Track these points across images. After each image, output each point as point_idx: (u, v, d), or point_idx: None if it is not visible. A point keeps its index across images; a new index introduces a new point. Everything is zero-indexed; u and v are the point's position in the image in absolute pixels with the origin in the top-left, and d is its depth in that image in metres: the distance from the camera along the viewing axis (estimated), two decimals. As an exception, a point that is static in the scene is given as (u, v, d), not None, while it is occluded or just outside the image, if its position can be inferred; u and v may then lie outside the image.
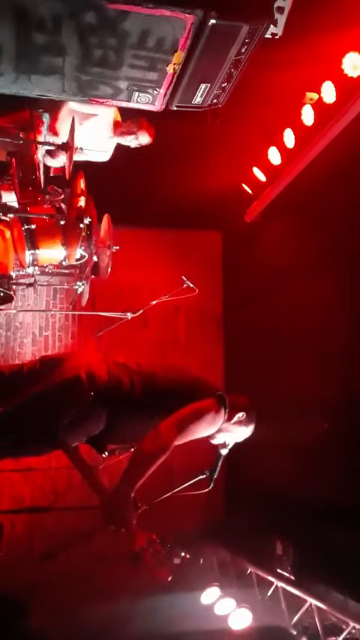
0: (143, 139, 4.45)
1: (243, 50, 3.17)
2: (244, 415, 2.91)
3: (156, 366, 2.98)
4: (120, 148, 4.58)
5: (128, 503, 2.55)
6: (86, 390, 2.69)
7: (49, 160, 4.34)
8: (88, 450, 2.88)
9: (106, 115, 4.34)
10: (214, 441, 2.95)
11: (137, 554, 2.34)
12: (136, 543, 2.37)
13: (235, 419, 2.90)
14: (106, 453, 2.93)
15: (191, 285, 4.78)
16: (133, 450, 2.86)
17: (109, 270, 4.50)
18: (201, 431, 2.77)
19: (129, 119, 4.44)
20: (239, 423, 2.92)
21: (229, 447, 2.96)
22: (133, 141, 4.45)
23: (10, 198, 4.22)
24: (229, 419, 2.88)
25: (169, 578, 2.32)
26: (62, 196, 4.42)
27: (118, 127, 4.44)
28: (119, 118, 4.46)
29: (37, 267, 4.36)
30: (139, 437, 2.75)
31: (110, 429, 2.78)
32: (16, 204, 4.13)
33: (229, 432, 2.92)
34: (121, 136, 4.46)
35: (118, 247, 4.42)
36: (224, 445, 2.92)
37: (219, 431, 2.89)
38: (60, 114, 4.16)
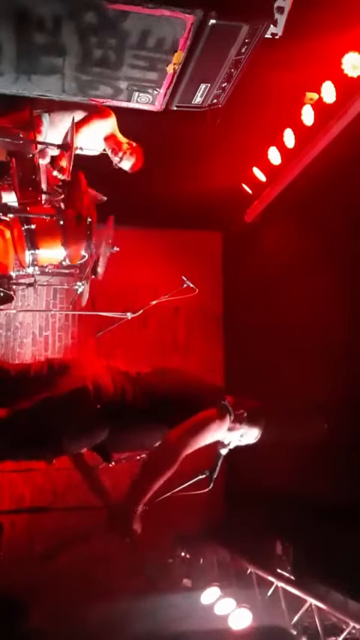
0: (125, 164, 4.44)
1: (243, 50, 3.17)
2: (246, 413, 2.92)
3: (157, 375, 2.99)
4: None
5: (135, 517, 2.59)
6: (92, 401, 2.71)
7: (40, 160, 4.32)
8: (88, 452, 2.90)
9: (106, 128, 4.34)
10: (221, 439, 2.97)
11: (149, 570, 2.40)
12: (142, 559, 2.43)
13: (237, 417, 2.92)
14: (113, 463, 2.95)
15: (191, 285, 4.78)
16: (138, 458, 2.89)
17: (103, 271, 4.50)
18: (207, 440, 2.80)
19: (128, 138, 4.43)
20: (242, 422, 2.92)
21: (231, 447, 2.97)
22: (115, 158, 4.45)
23: (10, 198, 4.21)
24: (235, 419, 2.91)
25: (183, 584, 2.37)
26: (62, 196, 4.42)
27: (111, 139, 4.43)
28: (117, 133, 4.44)
29: (37, 267, 4.35)
30: (144, 445, 2.82)
31: (115, 438, 2.80)
32: (16, 204, 4.13)
33: (232, 432, 2.93)
34: (109, 147, 4.44)
35: (117, 248, 4.42)
36: (224, 445, 2.92)
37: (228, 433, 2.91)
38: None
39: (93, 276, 4.55)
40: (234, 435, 2.95)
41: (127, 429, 2.80)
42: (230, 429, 2.91)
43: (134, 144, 4.45)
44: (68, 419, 2.68)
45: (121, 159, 4.42)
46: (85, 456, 3.04)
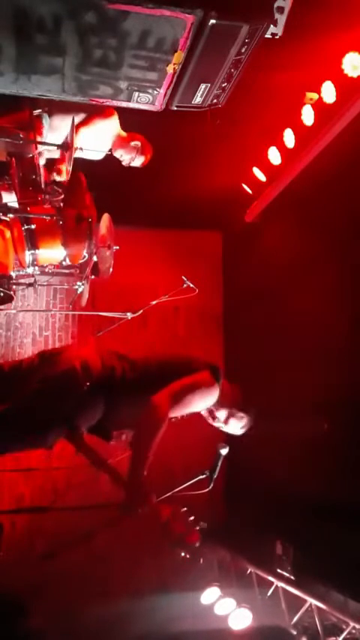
0: (137, 162, 4.44)
1: (243, 50, 3.16)
2: (240, 397, 3.02)
3: (148, 352, 3.10)
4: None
5: (143, 484, 2.63)
6: (81, 380, 2.77)
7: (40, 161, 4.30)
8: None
9: (110, 128, 4.32)
10: (216, 423, 3.03)
11: (166, 525, 2.40)
12: (161, 516, 2.44)
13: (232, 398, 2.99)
14: (113, 441, 2.97)
15: (191, 285, 4.79)
16: None
17: (111, 270, 4.50)
18: (196, 402, 2.85)
19: (129, 133, 4.41)
20: (236, 401, 3.00)
21: (215, 424, 3.01)
22: (126, 160, 4.44)
23: (10, 198, 4.21)
24: (224, 396, 2.97)
25: (198, 543, 2.39)
26: (62, 196, 4.42)
27: (120, 142, 4.41)
28: (122, 132, 4.42)
29: (37, 267, 4.36)
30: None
31: (110, 415, 2.86)
32: (16, 204, 4.13)
33: (223, 409, 2.98)
34: (120, 147, 4.42)
35: (118, 247, 4.42)
36: (224, 445, 2.93)
37: (219, 407, 2.96)
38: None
39: (93, 276, 4.55)
40: (222, 413, 2.98)
41: (120, 404, 2.85)
42: (221, 404, 2.97)
43: (139, 142, 4.42)
44: (60, 400, 2.74)
45: (132, 159, 4.42)
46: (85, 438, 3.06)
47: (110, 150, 4.44)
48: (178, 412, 2.78)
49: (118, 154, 4.43)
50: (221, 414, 3.02)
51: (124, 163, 4.46)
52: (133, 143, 4.38)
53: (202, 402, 2.88)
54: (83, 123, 4.15)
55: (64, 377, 2.77)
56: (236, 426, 3.06)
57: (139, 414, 2.81)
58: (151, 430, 2.68)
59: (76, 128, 3.83)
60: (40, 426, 2.73)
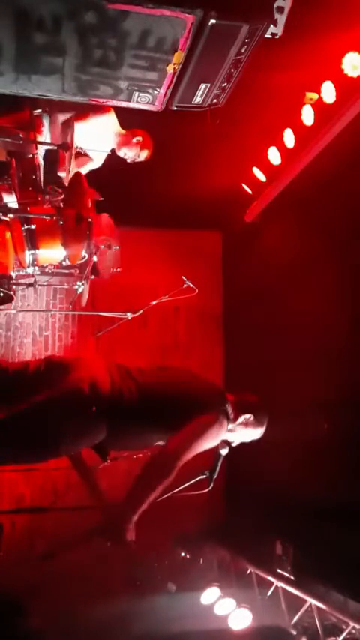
0: (142, 155, 4.45)
1: (243, 50, 3.16)
2: (252, 417, 2.92)
3: (157, 375, 2.98)
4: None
5: (128, 526, 2.59)
6: (89, 404, 2.70)
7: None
8: (88, 451, 2.90)
9: (108, 125, 4.32)
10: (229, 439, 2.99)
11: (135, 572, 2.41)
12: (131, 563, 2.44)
13: (241, 419, 2.91)
14: (109, 461, 2.94)
15: (191, 285, 4.78)
16: (135, 457, 2.89)
17: (114, 269, 4.50)
18: (205, 446, 2.80)
19: (128, 130, 4.41)
20: (245, 424, 2.93)
21: (234, 444, 2.98)
22: (130, 156, 4.44)
23: (10, 199, 4.21)
24: (234, 419, 2.90)
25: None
26: (62, 196, 4.41)
27: (122, 140, 4.41)
28: (121, 130, 4.41)
29: (37, 267, 4.35)
30: (141, 446, 2.86)
31: (112, 438, 2.79)
32: (16, 205, 4.13)
33: (233, 433, 2.93)
34: (124, 145, 4.42)
35: (118, 247, 4.41)
36: (224, 445, 2.93)
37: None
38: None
39: (93, 276, 4.54)
40: (237, 437, 2.96)
41: (124, 429, 2.79)
42: (233, 431, 2.93)
43: (140, 137, 4.42)
44: (65, 422, 2.67)
45: (137, 155, 4.42)
46: (83, 456, 3.04)
47: (112, 150, 4.44)
48: (188, 458, 2.73)
49: (122, 152, 4.42)
50: (234, 438, 3.00)
51: (129, 160, 4.46)
52: (135, 139, 4.39)
53: (210, 444, 2.83)
54: (78, 118, 4.15)
55: (71, 399, 2.70)
56: (247, 439, 3.05)
57: (139, 442, 2.82)
58: (159, 479, 2.63)
59: (72, 122, 3.83)
60: (37, 445, 2.69)
